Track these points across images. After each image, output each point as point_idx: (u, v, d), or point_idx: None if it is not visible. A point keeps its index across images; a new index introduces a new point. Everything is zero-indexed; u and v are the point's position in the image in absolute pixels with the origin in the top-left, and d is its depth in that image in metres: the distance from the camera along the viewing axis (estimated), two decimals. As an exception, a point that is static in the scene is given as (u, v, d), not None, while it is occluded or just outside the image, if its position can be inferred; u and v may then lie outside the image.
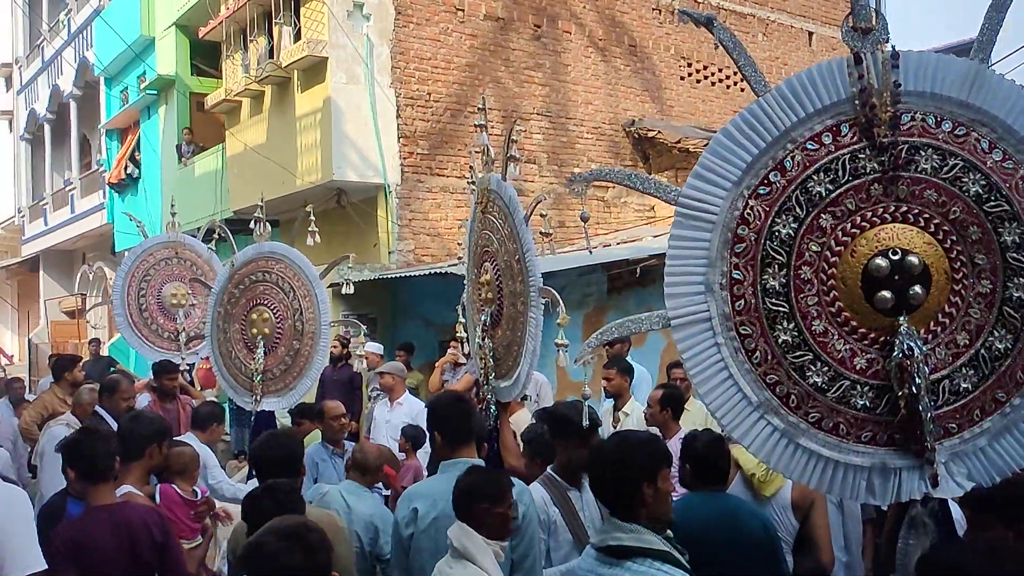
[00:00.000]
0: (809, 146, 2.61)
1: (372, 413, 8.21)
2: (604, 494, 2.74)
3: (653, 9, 14.91)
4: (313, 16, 12.19)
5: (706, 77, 15.58)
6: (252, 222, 5.93)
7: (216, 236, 6.43)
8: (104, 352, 16.57)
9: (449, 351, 8.26)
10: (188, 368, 8.50)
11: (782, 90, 2.61)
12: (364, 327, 6.14)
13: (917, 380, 2.52)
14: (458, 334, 4.48)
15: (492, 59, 13.10)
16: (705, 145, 10.30)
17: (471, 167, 4.45)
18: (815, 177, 2.61)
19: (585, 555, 2.75)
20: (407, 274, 10.98)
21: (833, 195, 2.61)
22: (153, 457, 4.15)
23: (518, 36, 13.36)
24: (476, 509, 3.05)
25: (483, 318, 4.00)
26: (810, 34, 17.13)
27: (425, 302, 11.59)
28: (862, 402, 2.61)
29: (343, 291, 5.91)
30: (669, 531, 2.66)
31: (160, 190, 16.88)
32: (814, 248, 2.60)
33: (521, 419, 5.63)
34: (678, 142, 13.35)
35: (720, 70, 15.73)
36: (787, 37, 16.61)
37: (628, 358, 7.00)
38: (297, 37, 12.38)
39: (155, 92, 16.95)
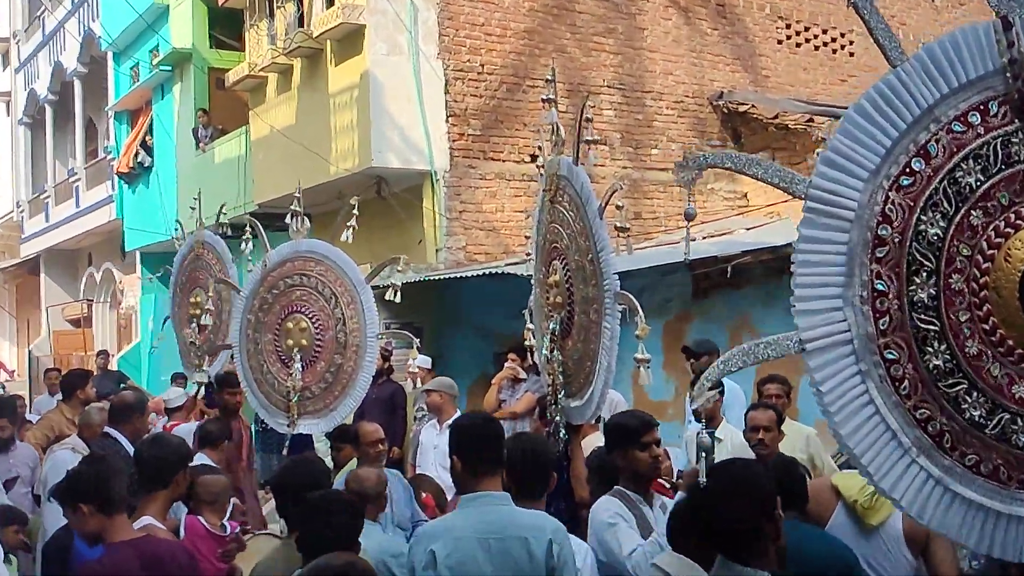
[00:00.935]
0: (955, 128, 2.53)
1: (418, 437, 8.29)
2: (718, 535, 2.75)
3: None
4: (348, -22, 12.36)
5: (808, 40, 15.39)
6: (287, 216, 6.04)
7: (246, 233, 6.54)
8: (113, 366, 17.02)
9: (507, 365, 8.29)
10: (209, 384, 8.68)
11: (923, 59, 2.54)
12: (416, 339, 6.21)
13: None
14: (526, 342, 4.51)
15: (555, 24, 13.14)
16: (808, 121, 10.17)
17: (540, 147, 4.49)
18: (964, 165, 2.53)
19: None
20: (458, 275, 11.06)
21: (984, 187, 2.53)
22: (179, 485, 4.28)
23: (585, -3, 13.38)
24: None
25: (552, 326, 4.04)
26: (934, -13, 16.81)
27: (478, 307, 11.67)
28: None
29: (387, 297, 5.95)
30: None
31: (175, 180, 17.27)
32: (964, 252, 2.53)
33: (595, 444, 5.63)
34: (775, 117, 13.21)
35: (825, 31, 15.52)
36: (906, -9, 16.34)
37: None
38: (330, 3, 12.57)
39: (169, 68, 17.35)
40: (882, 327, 2.54)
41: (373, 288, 6.18)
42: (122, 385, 12.36)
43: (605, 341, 3.58)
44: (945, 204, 2.54)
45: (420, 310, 11.98)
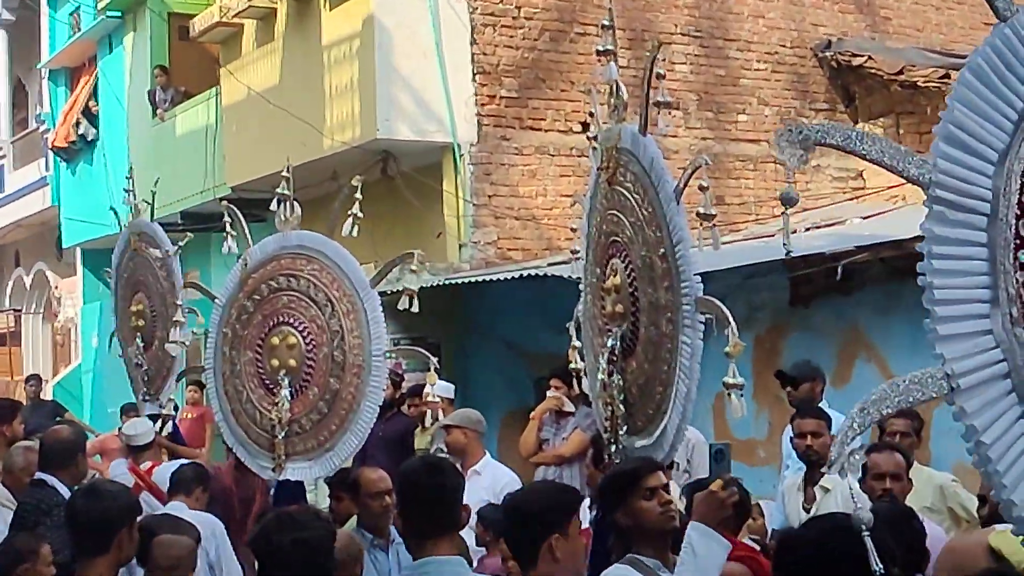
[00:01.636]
0: None
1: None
2: None
3: None
4: None
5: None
6: (272, 202, 6.08)
7: (222, 222, 6.60)
8: (47, 394, 17.18)
9: (549, 394, 8.29)
10: (172, 417, 8.75)
11: None
12: (435, 360, 6.22)
13: None
14: (571, 364, 4.53)
15: (612, -46, 13.13)
16: (942, 78, 10.13)
17: (592, 113, 4.50)
18: None
19: None
20: (487, 277, 11.09)
21: None
22: (123, 547, 4.33)
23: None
24: None
25: (610, 342, 4.06)
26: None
27: (512, 319, 11.69)
28: None
29: (400, 306, 5.85)
30: None
31: (126, 157, 17.37)
32: None
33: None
34: (899, 73, 13.12)
35: None
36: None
37: (824, 402, 6.98)
38: (324, -72, 12.66)
39: (119, 14, 17.51)
40: None
41: (380, 294, 6.20)
42: (57, 419, 12.49)
43: (683, 361, 3.58)
44: None
45: (439, 322, 11.99)
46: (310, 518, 3.86)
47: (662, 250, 3.65)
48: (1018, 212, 2.49)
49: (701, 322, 3.59)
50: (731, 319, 3.55)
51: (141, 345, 8.36)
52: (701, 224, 3.85)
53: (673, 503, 3.88)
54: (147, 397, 8.49)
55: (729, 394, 3.51)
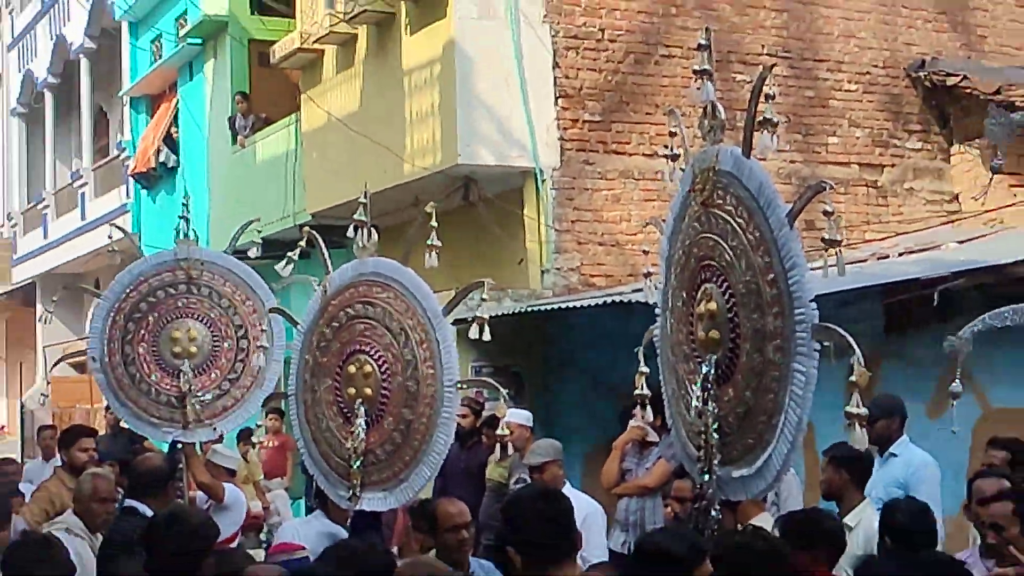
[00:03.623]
0: None
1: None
2: None
3: None
4: (428, -79, 12.53)
5: None
6: (349, 228, 6.10)
7: (297, 248, 6.63)
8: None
9: (632, 424, 8.23)
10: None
11: None
12: (505, 389, 6.17)
13: None
14: (637, 390, 4.48)
15: (698, -26, 13.11)
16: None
17: (671, 134, 4.48)
18: None
19: None
20: (570, 304, 11.06)
21: None
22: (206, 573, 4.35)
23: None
24: None
25: (704, 369, 4.01)
26: None
27: (595, 348, 11.63)
28: None
29: (471, 334, 5.84)
30: None
31: (206, 183, 17.64)
32: None
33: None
34: (997, 92, 12.92)
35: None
36: None
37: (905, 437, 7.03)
38: (405, -47, 12.75)
39: (200, 41, 17.84)
40: None
41: (455, 322, 6.19)
42: (135, 446, 12.59)
43: (796, 389, 3.54)
44: None
45: (520, 352, 12.00)
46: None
47: (771, 275, 3.62)
48: None
49: (816, 349, 3.55)
50: (857, 347, 3.51)
51: (190, 373, 8.32)
52: (826, 249, 3.82)
53: None
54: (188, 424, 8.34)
55: (852, 424, 3.49)
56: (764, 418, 3.63)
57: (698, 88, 4.21)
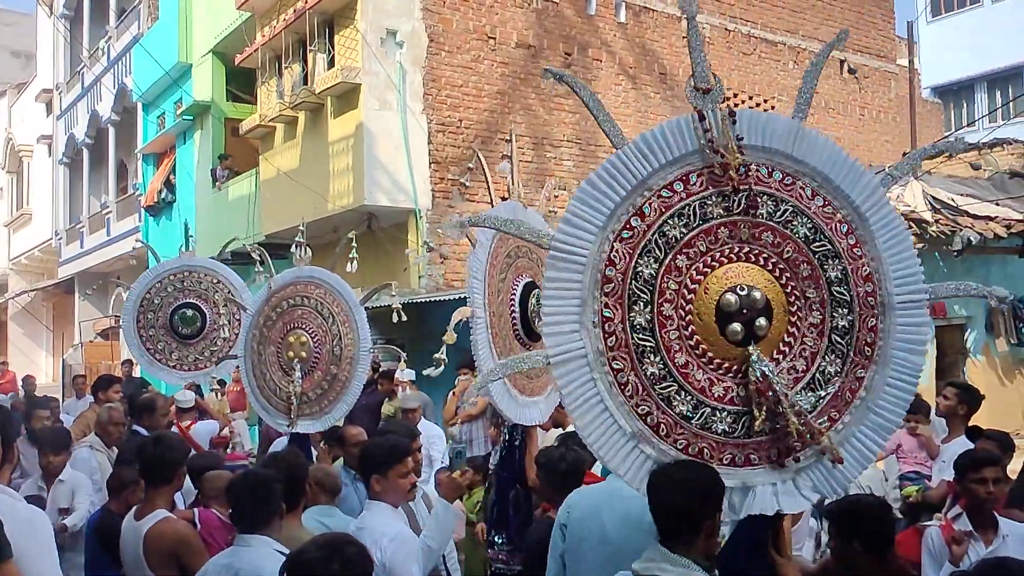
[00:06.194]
0: (664, 193, 2.84)
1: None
2: (664, 520, 2.71)
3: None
4: (347, 43, 12.35)
5: (736, 106, 15.54)
6: (292, 246, 6.02)
7: (256, 258, 6.51)
8: (136, 373, 16.72)
9: (459, 379, 8.53)
10: (219, 384, 8.58)
11: (638, 143, 2.84)
12: (404, 354, 6.24)
13: (780, 395, 2.73)
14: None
15: (522, 87, 13.20)
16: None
17: (509, 186, 4.54)
18: (670, 221, 2.84)
19: None
20: (436, 298, 11.00)
21: (686, 237, 2.84)
22: (180, 479, 4.20)
23: (548, 64, 13.44)
24: None
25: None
26: (841, 63, 17.06)
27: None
28: (722, 427, 2.80)
29: (394, 319, 6.05)
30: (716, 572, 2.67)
31: (194, 213, 17.11)
32: (672, 286, 2.82)
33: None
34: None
35: (751, 97, 15.68)
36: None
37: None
38: (331, 64, 12.55)
39: (191, 118, 17.25)
40: (610, 344, 2.80)
41: (367, 309, 6.17)
42: (144, 389, 12.15)
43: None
44: (657, 250, 2.83)
45: (403, 329, 11.81)
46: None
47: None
48: (606, 263, 2.82)
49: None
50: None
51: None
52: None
53: None
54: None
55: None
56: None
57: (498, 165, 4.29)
